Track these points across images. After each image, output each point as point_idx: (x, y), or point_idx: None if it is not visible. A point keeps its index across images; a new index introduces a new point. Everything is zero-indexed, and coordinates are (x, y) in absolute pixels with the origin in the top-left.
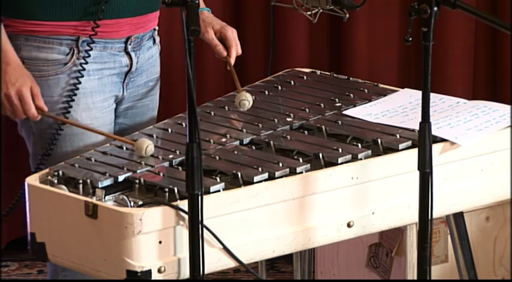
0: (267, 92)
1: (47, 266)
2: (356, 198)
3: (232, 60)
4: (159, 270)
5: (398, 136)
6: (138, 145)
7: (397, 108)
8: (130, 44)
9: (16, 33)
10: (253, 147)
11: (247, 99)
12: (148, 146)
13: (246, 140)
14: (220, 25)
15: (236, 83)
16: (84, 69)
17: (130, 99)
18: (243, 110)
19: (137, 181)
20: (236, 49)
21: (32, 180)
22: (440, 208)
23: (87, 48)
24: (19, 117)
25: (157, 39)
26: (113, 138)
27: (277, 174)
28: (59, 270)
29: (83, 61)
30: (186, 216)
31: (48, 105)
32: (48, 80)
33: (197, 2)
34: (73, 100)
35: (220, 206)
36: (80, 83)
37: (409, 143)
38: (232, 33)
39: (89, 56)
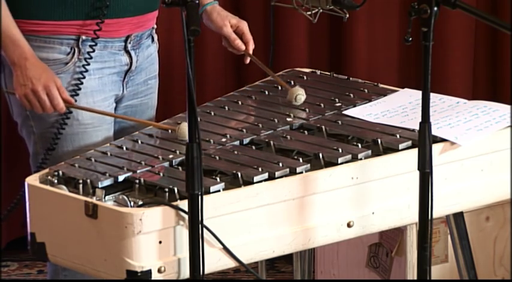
0: (267, 92)
1: (47, 265)
2: (356, 198)
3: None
4: (159, 270)
5: (398, 136)
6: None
7: (397, 108)
8: (130, 43)
9: None
10: (253, 147)
11: (302, 94)
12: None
13: (246, 140)
14: (235, 19)
15: (277, 80)
16: (86, 68)
17: (130, 97)
18: (298, 104)
19: (137, 181)
20: (252, 43)
21: (32, 180)
22: (440, 208)
23: (91, 43)
24: (47, 112)
25: (156, 37)
26: (157, 127)
27: (277, 174)
28: (60, 270)
29: (86, 59)
30: (186, 216)
31: None
32: None
33: (197, 1)
34: (75, 100)
35: (220, 206)
36: (82, 83)
37: (409, 143)
38: (247, 28)
39: (93, 50)
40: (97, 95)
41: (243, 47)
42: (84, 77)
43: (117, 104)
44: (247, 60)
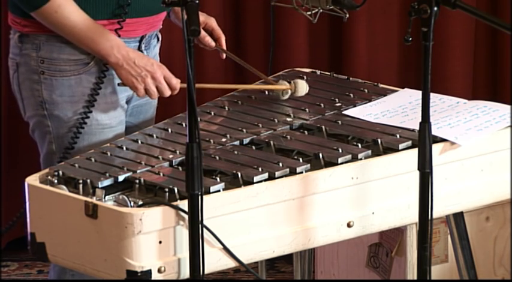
0: (266, 92)
1: (51, 265)
2: (356, 198)
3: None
4: (159, 270)
5: (398, 136)
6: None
7: (397, 108)
8: (143, 43)
9: (37, 33)
10: (253, 147)
11: (303, 86)
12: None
13: (246, 140)
14: (203, 16)
15: (259, 75)
16: (107, 67)
17: (137, 97)
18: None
19: (137, 181)
20: (224, 38)
21: (32, 180)
22: (440, 208)
23: None
24: (166, 95)
25: (160, 36)
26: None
27: (277, 174)
28: (67, 269)
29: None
30: (186, 216)
31: (69, 105)
32: (70, 80)
33: (197, 1)
34: (95, 100)
35: (220, 206)
36: (102, 82)
37: (409, 143)
38: (216, 23)
39: None
40: (113, 96)
41: (213, 44)
42: (105, 76)
43: (127, 104)
44: (224, 56)
